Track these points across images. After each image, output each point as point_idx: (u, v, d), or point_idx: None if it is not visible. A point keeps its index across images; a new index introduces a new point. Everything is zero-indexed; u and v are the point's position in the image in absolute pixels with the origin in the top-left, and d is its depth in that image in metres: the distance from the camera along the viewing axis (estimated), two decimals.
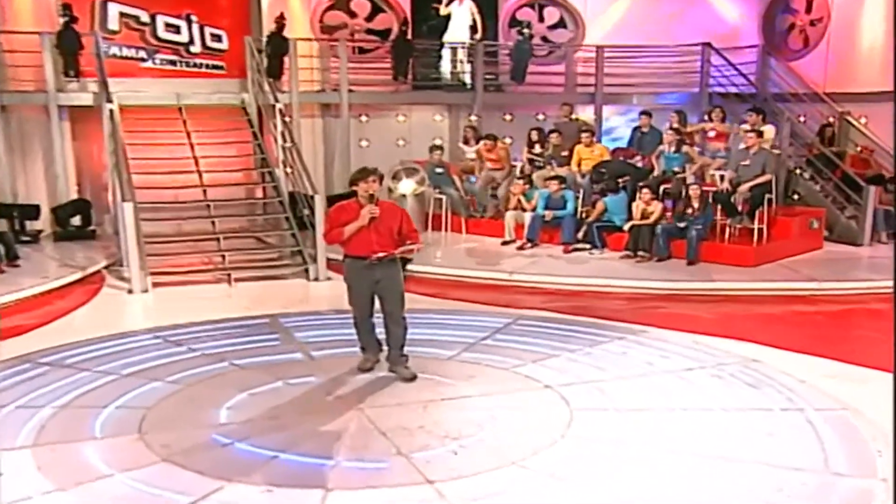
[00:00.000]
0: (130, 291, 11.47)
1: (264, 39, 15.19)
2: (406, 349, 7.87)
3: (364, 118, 16.47)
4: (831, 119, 14.84)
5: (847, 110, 14.89)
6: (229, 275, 12.00)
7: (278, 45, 15.02)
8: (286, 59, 15.17)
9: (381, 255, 7.51)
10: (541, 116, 17.31)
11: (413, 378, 7.71)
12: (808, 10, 16.08)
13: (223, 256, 12.45)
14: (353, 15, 17.01)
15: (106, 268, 12.80)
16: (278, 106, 13.66)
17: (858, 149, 14.66)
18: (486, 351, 8.52)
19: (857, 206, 13.46)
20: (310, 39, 16.26)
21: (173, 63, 16.30)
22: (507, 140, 15.75)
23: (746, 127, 12.72)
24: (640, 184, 13.02)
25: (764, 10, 16.67)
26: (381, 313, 7.79)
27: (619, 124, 17.15)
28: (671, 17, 16.57)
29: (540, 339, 8.94)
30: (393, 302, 7.67)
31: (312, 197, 12.32)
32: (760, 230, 12.22)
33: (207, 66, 16.53)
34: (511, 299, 10.94)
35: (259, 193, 15.21)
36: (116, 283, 12.08)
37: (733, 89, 16.12)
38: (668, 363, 8.11)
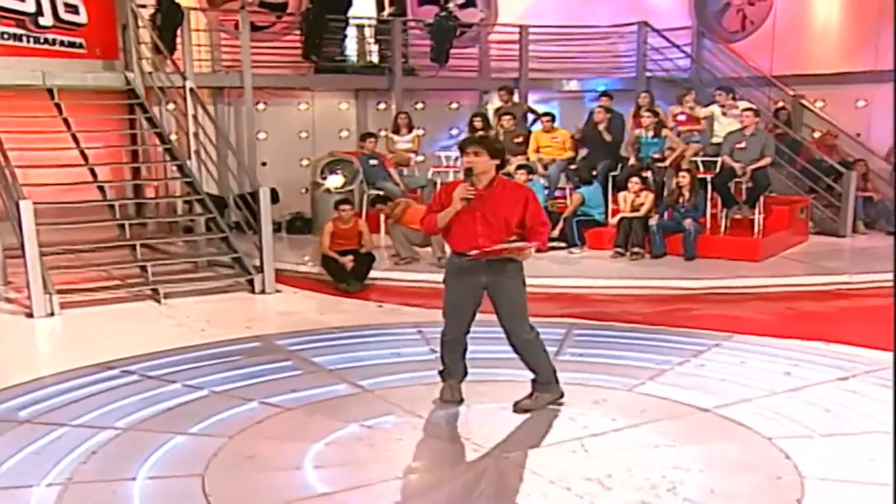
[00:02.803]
0: (30, 315, 8.85)
1: (152, 8, 12.60)
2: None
3: (261, 106, 14.18)
4: (781, 103, 14.06)
5: (801, 94, 14.15)
6: (155, 289, 9.55)
7: (171, 15, 12.50)
8: (179, 33, 12.66)
9: (476, 251, 5.65)
10: (454, 105, 15.64)
11: (528, 410, 5.87)
12: None
13: (143, 268, 9.94)
14: None
15: None
16: (189, 85, 11.25)
17: (817, 134, 13.96)
18: (576, 368, 6.75)
19: (829, 193, 12.70)
20: (208, 9, 13.83)
21: (18, 38, 13.31)
22: (420, 132, 13.94)
23: (744, 104, 11.60)
24: (613, 173, 11.68)
25: None
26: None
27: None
28: None
29: (622, 350, 7.36)
30: (507, 314, 5.77)
31: (253, 194, 10.12)
32: (758, 220, 11.11)
33: (62, 44, 13.58)
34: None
35: (154, 192, 12.67)
36: (2, 305, 9.38)
37: (670, 73, 15.06)
38: (809, 373, 6.70)
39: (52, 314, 8.89)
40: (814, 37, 14.44)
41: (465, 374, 6.14)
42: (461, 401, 6.04)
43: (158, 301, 9.44)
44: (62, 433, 5.61)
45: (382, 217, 11.57)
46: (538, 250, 5.77)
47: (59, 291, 9.08)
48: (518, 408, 5.86)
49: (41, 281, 8.88)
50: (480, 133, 12.69)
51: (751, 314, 8.86)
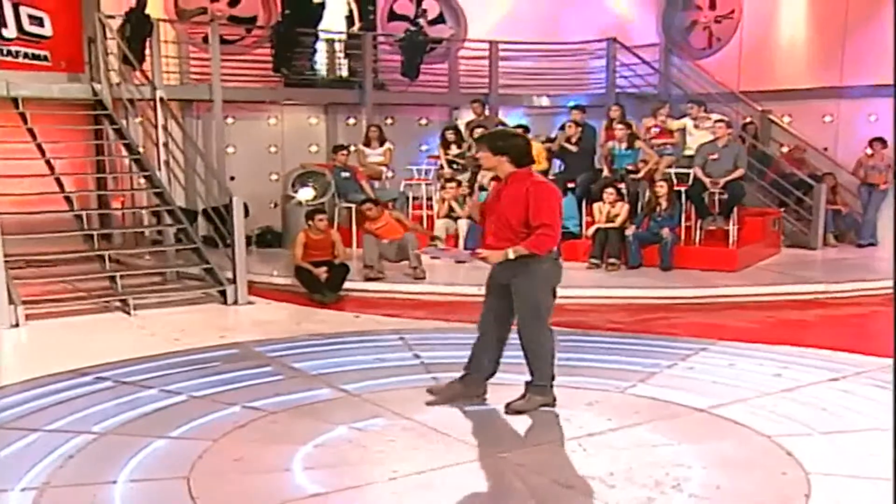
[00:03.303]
0: None
1: (121, 17, 12.36)
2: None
3: (230, 120, 13.94)
4: (748, 119, 14.13)
5: (768, 109, 14.24)
6: (125, 300, 9.28)
7: (140, 26, 12.27)
8: (148, 44, 12.43)
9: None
10: (424, 121, 15.55)
11: (521, 412, 5.72)
12: (713, 6, 15.33)
13: (112, 279, 9.67)
14: None
15: None
16: (159, 93, 11.04)
17: (785, 149, 14.03)
18: (565, 372, 6.39)
19: (798, 206, 12.77)
20: (175, 22, 13.61)
21: None
22: (391, 145, 13.73)
23: (716, 117, 11.63)
24: (593, 185, 11.63)
25: (662, 7, 15.80)
26: None
27: None
28: None
29: (609, 355, 7.26)
30: (520, 313, 5.68)
31: (227, 206, 9.93)
32: (733, 231, 11.13)
33: (26, 56, 13.37)
34: None
35: (120, 203, 12.42)
36: None
37: (640, 89, 15.09)
38: (800, 375, 6.64)
39: (16, 325, 8.59)
40: (780, 53, 14.51)
41: (486, 377, 5.95)
42: (449, 400, 5.86)
43: (128, 312, 9.17)
44: (35, 438, 5.37)
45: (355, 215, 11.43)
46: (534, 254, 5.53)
47: (25, 302, 8.78)
48: (510, 409, 5.72)
49: (6, 291, 8.58)
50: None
51: (732, 322, 8.78)
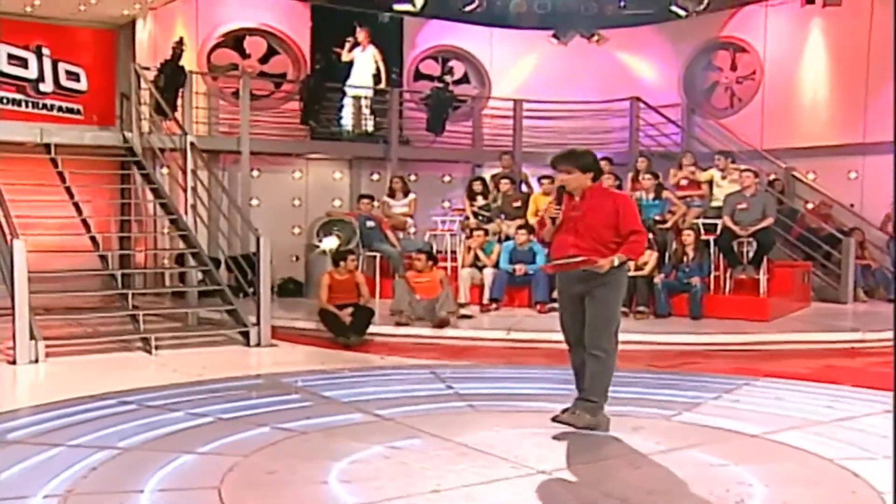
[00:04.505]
0: (13, 362, 8.31)
1: (155, 67, 12.47)
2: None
3: (255, 172, 13.89)
4: (773, 176, 14.03)
5: (792, 167, 14.17)
6: (146, 339, 9.08)
7: (174, 77, 12.35)
8: (180, 95, 12.51)
9: (558, 262, 5.61)
10: (447, 178, 15.51)
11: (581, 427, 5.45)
12: (734, 67, 15.45)
13: (133, 317, 9.49)
14: (245, 55, 14.56)
15: None
16: (190, 138, 11.02)
17: (810, 205, 13.91)
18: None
19: (827, 261, 12.59)
20: (208, 74, 13.71)
21: (18, 103, 13.26)
22: (412, 195, 13.61)
23: (744, 167, 11.52)
24: None
25: (683, 69, 15.88)
26: None
27: None
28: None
29: (650, 388, 7.00)
30: (590, 323, 5.53)
31: (255, 253, 9.85)
32: (763, 281, 10.93)
33: (61, 109, 13.64)
34: (530, 361, 8.74)
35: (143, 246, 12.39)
36: None
37: (662, 147, 15.08)
38: (853, 406, 6.40)
39: (35, 360, 8.37)
40: (802, 111, 14.45)
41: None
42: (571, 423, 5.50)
43: (150, 351, 8.95)
44: (56, 452, 5.15)
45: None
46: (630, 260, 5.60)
47: (46, 338, 8.59)
48: (557, 419, 5.49)
49: (28, 326, 8.39)
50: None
51: (768, 367, 8.45)
